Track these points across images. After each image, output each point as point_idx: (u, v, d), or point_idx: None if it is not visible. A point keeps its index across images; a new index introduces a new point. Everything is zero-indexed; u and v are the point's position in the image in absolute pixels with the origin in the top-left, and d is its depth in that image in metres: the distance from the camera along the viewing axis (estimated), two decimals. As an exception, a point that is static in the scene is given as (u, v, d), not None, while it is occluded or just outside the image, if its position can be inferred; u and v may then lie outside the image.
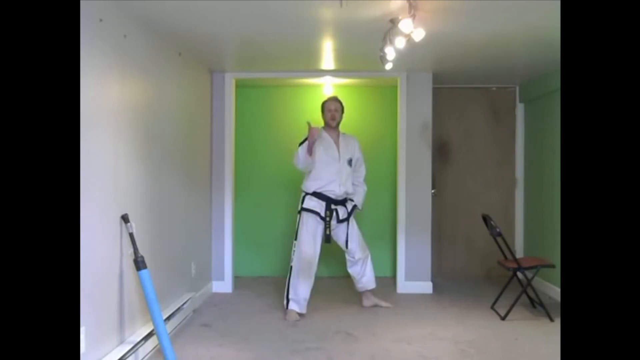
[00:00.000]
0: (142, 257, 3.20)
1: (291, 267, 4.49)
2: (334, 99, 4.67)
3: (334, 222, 4.49)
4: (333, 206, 4.49)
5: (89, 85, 2.79)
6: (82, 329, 2.71)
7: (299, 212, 4.52)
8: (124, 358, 3.06)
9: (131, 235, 3.20)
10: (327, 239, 4.47)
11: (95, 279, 2.88)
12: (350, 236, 4.57)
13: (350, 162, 4.61)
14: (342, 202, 4.56)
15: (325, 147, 4.54)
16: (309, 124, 4.35)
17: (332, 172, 4.48)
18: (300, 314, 4.40)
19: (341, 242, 4.61)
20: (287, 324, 4.25)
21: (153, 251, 3.64)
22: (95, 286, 2.88)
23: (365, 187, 4.77)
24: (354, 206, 4.65)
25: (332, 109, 4.60)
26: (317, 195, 4.47)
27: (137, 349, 3.26)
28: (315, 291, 5.12)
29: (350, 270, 4.71)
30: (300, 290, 4.43)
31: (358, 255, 4.62)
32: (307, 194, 4.50)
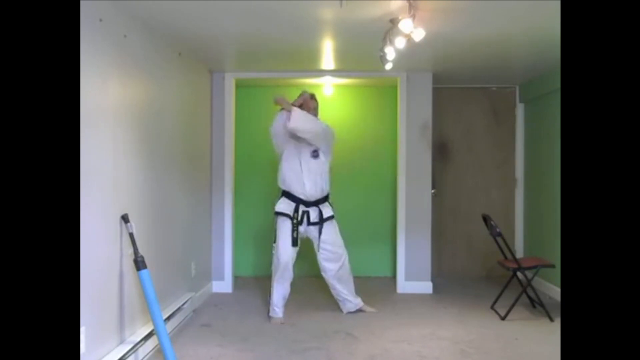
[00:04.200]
0: (142, 257, 3.20)
1: (272, 270, 4.43)
2: (315, 97, 4.47)
3: (303, 226, 4.34)
4: (304, 208, 4.33)
5: (89, 85, 2.79)
6: (82, 329, 2.71)
7: (275, 214, 4.40)
8: (124, 358, 3.06)
9: (131, 235, 3.20)
10: (294, 242, 4.29)
11: (95, 279, 2.88)
12: (321, 242, 4.37)
13: (315, 153, 4.36)
14: (315, 203, 4.37)
15: (289, 143, 4.39)
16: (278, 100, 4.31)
17: (294, 171, 4.32)
18: (282, 318, 4.33)
19: (315, 245, 4.43)
20: (287, 323, 4.25)
21: (153, 251, 3.64)
22: (95, 286, 2.88)
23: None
24: (330, 216, 4.41)
25: (313, 107, 4.40)
26: (288, 195, 4.36)
27: (137, 349, 3.26)
28: (315, 291, 5.13)
29: (331, 292, 4.55)
30: (276, 294, 4.35)
31: (330, 270, 4.42)
32: (282, 194, 4.41)
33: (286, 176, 4.37)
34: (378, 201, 6.11)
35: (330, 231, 4.42)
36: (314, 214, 4.37)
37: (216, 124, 5.29)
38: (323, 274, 4.50)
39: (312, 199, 4.35)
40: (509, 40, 3.98)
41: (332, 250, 4.42)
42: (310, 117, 4.33)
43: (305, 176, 4.33)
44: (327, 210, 4.43)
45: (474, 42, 4.01)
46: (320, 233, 4.37)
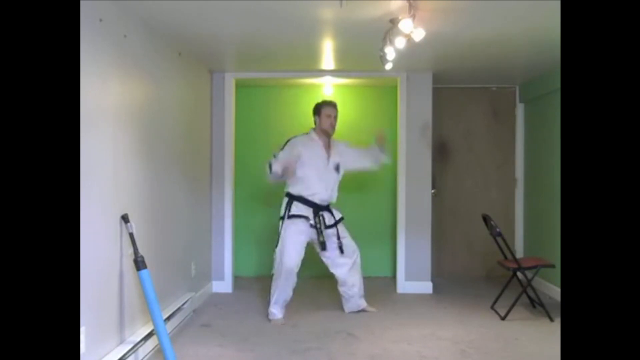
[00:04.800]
0: (142, 257, 3.20)
1: (272, 274, 4.40)
2: (334, 105, 4.48)
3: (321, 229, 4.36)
4: (320, 212, 4.37)
5: (89, 85, 2.79)
6: (82, 329, 2.71)
7: (282, 219, 4.37)
8: (124, 358, 3.06)
9: (131, 235, 3.20)
10: (323, 246, 4.33)
11: (95, 279, 2.88)
12: (340, 237, 4.40)
13: (337, 168, 4.46)
14: (327, 207, 4.43)
15: (313, 150, 4.41)
16: (290, 163, 4.25)
17: (319, 177, 4.35)
18: (282, 319, 4.33)
19: (318, 248, 4.44)
20: (287, 324, 4.25)
21: (153, 251, 3.64)
22: (95, 286, 2.88)
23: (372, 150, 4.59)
24: (341, 217, 4.48)
25: (333, 116, 4.43)
26: (303, 200, 4.34)
27: (137, 349, 3.26)
28: (316, 291, 5.13)
29: (339, 289, 4.57)
30: (278, 299, 4.33)
31: (345, 264, 4.44)
32: (292, 199, 4.36)
33: (310, 180, 4.33)
34: (378, 201, 6.11)
35: (343, 229, 4.50)
36: (328, 217, 4.42)
37: (216, 124, 5.29)
38: (336, 270, 4.48)
39: (326, 203, 4.42)
40: (509, 40, 3.98)
41: (347, 245, 4.46)
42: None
43: (327, 183, 4.39)
44: (337, 213, 4.50)
45: (474, 42, 4.01)
46: (337, 232, 4.41)
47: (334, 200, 4.51)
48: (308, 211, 4.34)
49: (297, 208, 4.35)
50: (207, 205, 5.22)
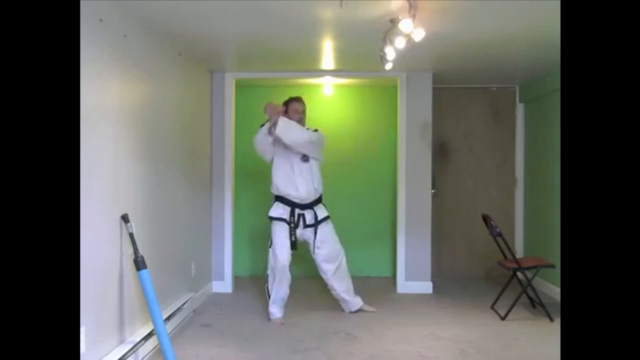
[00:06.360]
0: (142, 257, 3.20)
1: (267, 275, 4.41)
2: (300, 100, 4.41)
3: (300, 229, 4.33)
4: (299, 211, 4.32)
5: (89, 85, 2.79)
6: (82, 329, 2.71)
7: (270, 220, 4.39)
8: (124, 358, 3.06)
9: (131, 235, 3.20)
10: (293, 245, 4.31)
11: (95, 279, 2.88)
12: (318, 242, 4.38)
13: (305, 158, 4.33)
14: (310, 205, 4.36)
15: (281, 150, 4.34)
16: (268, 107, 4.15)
17: (287, 176, 4.31)
18: (282, 318, 4.34)
19: (311, 247, 4.43)
20: (287, 324, 4.25)
21: (153, 251, 3.64)
22: (95, 286, 2.88)
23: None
24: (326, 217, 4.42)
25: (300, 111, 4.35)
26: (282, 200, 4.34)
27: (137, 349, 3.26)
28: (315, 291, 5.12)
29: (332, 293, 4.55)
30: (276, 297, 4.34)
31: (329, 270, 4.42)
32: (275, 199, 4.39)
33: (279, 181, 4.34)
34: (378, 201, 6.11)
35: (326, 232, 4.42)
36: (309, 216, 4.37)
37: (216, 124, 5.29)
38: (322, 274, 4.50)
39: (307, 201, 4.35)
40: (509, 40, 3.98)
41: (329, 250, 4.42)
42: (295, 127, 4.24)
43: (298, 179, 4.32)
44: (321, 212, 4.43)
45: (474, 42, 4.01)
46: (315, 234, 4.37)
47: (316, 196, 4.40)
48: (285, 211, 4.32)
49: (276, 209, 4.35)
50: (207, 205, 5.22)
